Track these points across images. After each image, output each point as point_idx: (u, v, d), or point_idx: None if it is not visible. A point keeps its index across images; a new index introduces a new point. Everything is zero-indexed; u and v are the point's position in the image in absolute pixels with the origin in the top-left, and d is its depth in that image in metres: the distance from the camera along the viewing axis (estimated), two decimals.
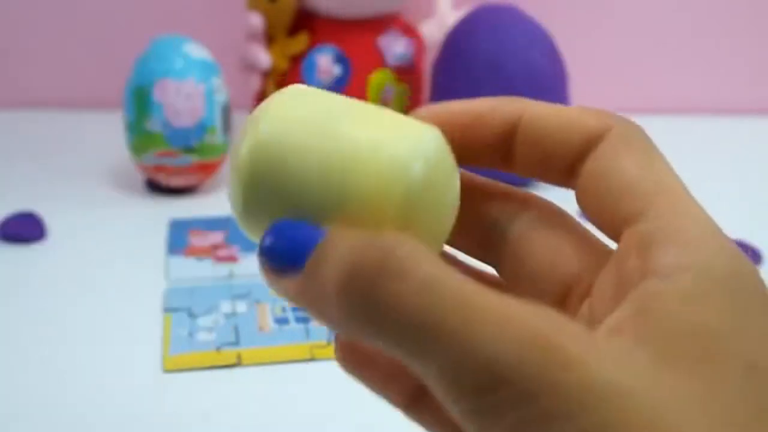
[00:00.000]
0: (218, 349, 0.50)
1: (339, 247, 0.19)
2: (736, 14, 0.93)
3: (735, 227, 0.68)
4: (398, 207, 0.20)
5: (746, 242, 0.63)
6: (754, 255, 0.62)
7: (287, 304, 0.54)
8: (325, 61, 0.75)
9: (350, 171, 0.20)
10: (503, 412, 0.16)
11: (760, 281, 0.19)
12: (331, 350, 0.50)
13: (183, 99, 0.66)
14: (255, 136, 0.21)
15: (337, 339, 0.24)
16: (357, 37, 0.76)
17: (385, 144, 0.20)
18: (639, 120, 0.88)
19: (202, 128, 0.67)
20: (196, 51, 0.68)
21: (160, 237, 0.63)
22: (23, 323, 0.52)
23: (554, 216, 0.23)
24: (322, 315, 0.19)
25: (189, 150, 0.67)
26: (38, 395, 0.46)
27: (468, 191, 0.24)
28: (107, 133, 0.82)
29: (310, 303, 0.20)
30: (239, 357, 0.49)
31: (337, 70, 0.75)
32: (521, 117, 0.23)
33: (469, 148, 0.23)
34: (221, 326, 0.52)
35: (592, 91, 0.92)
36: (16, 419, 0.44)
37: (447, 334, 0.17)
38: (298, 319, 0.53)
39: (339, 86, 0.75)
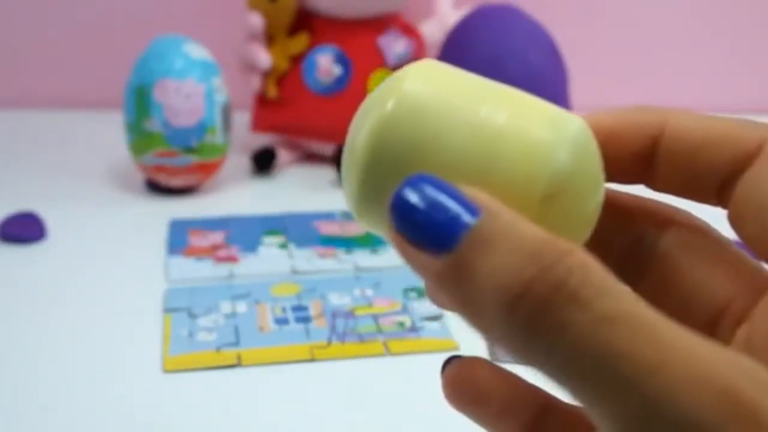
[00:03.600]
0: (218, 349, 0.49)
1: (504, 239, 0.16)
2: (737, 15, 0.93)
3: None
4: (542, 192, 0.18)
5: None
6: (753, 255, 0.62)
7: (288, 305, 0.54)
8: (325, 61, 0.75)
9: (495, 149, 0.18)
10: None
11: None
12: (330, 351, 0.50)
13: (183, 99, 0.66)
14: (383, 109, 0.19)
15: (444, 372, 0.21)
16: (357, 37, 0.76)
17: (531, 126, 0.19)
18: None
19: (202, 128, 0.67)
20: (196, 51, 0.68)
21: (160, 237, 0.63)
22: (23, 323, 0.52)
23: (705, 235, 0.21)
24: (471, 315, 0.17)
25: (189, 150, 0.67)
26: (38, 395, 0.45)
27: (611, 201, 0.21)
28: (107, 133, 0.82)
29: (455, 297, 0.17)
30: (239, 357, 0.49)
31: (337, 70, 0.75)
32: (664, 130, 0.20)
33: (605, 166, 0.21)
34: (221, 326, 0.52)
35: (592, 91, 0.92)
36: (16, 419, 0.44)
37: (635, 376, 0.15)
38: (298, 320, 0.53)
39: (339, 86, 0.75)
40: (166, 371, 0.48)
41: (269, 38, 0.76)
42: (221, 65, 0.71)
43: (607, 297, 0.15)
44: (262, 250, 0.62)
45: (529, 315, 0.15)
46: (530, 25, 0.71)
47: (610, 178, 0.21)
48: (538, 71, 0.69)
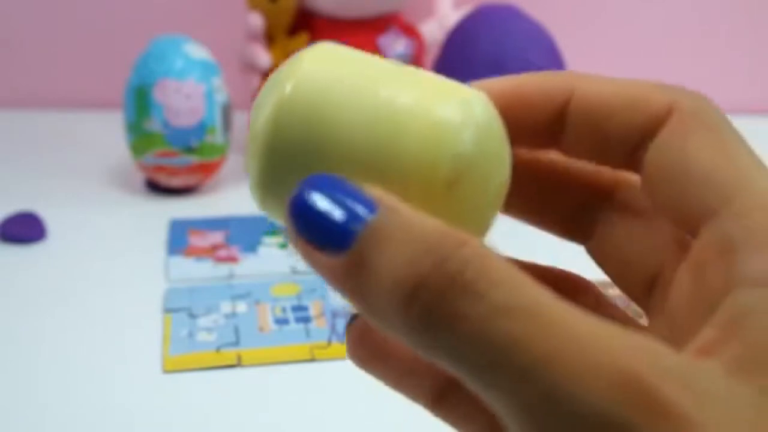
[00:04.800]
0: (218, 349, 0.49)
1: (400, 235, 0.16)
2: (737, 15, 0.93)
3: None
4: (446, 177, 0.18)
5: None
6: None
7: (288, 305, 0.54)
8: None
9: (397, 131, 0.18)
10: None
11: None
12: (330, 351, 0.50)
13: (183, 99, 0.66)
14: (281, 92, 0.18)
15: (348, 331, 0.21)
16: (357, 37, 0.76)
17: (434, 107, 0.18)
18: None
19: (202, 128, 0.67)
20: (196, 51, 0.68)
21: (160, 237, 0.63)
22: (23, 323, 0.52)
23: (642, 198, 0.21)
24: (369, 311, 0.16)
25: (189, 150, 0.67)
26: (38, 395, 0.45)
27: (560, 167, 0.22)
28: (107, 133, 0.82)
29: (353, 294, 0.16)
30: (239, 357, 0.49)
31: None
32: (572, 95, 0.20)
33: (512, 132, 0.20)
34: (221, 326, 0.52)
35: None
36: (16, 419, 0.44)
37: (531, 367, 0.15)
38: (298, 320, 0.53)
39: None
40: (166, 371, 0.48)
41: (269, 38, 0.76)
42: (221, 65, 0.71)
43: (504, 288, 0.15)
44: (262, 250, 0.62)
45: (425, 308, 0.15)
46: (530, 25, 0.71)
47: (520, 144, 0.21)
48: (538, 71, 0.69)
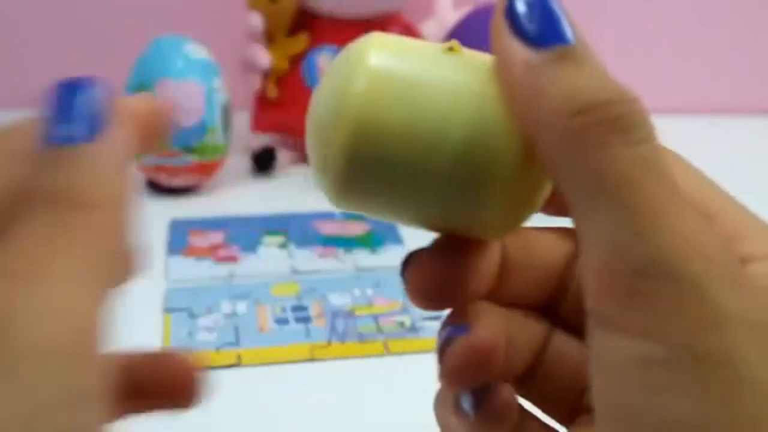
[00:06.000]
0: (218, 349, 0.49)
1: (596, 65, 0.19)
2: (736, 15, 0.93)
3: None
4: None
5: None
6: None
7: (288, 305, 0.54)
8: (325, 61, 0.75)
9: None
10: (657, 304, 0.17)
11: None
12: (330, 350, 0.50)
13: (183, 99, 0.66)
14: (367, 69, 0.20)
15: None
16: (357, 37, 0.76)
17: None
18: None
19: (202, 128, 0.67)
20: (196, 51, 0.68)
21: (160, 237, 0.63)
22: None
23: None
24: (529, 110, 0.18)
25: (189, 150, 0.67)
26: None
27: None
28: None
29: (522, 90, 0.19)
30: (239, 357, 0.49)
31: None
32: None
33: None
34: (221, 326, 0.52)
35: None
36: None
37: (640, 211, 0.17)
38: (298, 320, 0.53)
39: None
40: None
41: (269, 38, 0.76)
42: (221, 65, 0.71)
43: (651, 145, 0.18)
44: (262, 250, 0.62)
45: (585, 125, 0.18)
46: None
47: None
48: None
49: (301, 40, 0.76)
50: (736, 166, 0.80)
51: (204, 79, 0.67)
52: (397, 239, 0.63)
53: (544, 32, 0.19)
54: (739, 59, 0.94)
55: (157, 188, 0.71)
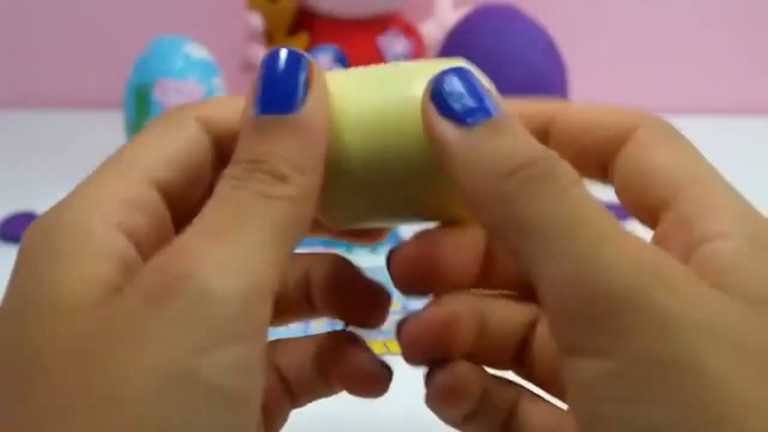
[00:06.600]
0: None
1: (520, 130, 0.21)
2: (737, 15, 0.93)
3: None
4: None
5: None
6: None
7: None
8: (325, 61, 0.75)
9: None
10: (610, 322, 0.18)
11: None
12: None
13: (183, 99, 0.66)
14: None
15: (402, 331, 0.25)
16: (357, 37, 0.76)
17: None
18: None
19: None
20: (196, 51, 0.68)
21: None
22: None
23: None
24: (468, 178, 0.20)
25: None
26: None
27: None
28: (107, 133, 0.82)
29: (466, 159, 0.20)
30: None
31: (337, 69, 0.75)
32: (554, 120, 0.24)
33: None
34: None
35: (592, 91, 0.92)
36: None
37: (584, 242, 0.18)
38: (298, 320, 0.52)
39: None
40: None
41: (269, 38, 0.76)
42: (221, 65, 0.71)
43: (582, 186, 0.20)
44: None
45: (521, 182, 0.19)
46: (530, 25, 0.71)
47: None
48: (538, 71, 0.69)
49: (301, 40, 0.76)
50: (736, 166, 0.80)
51: (204, 78, 0.67)
52: (397, 239, 0.63)
53: (469, 109, 0.21)
54: (739, 60, 0.94)
55: None
